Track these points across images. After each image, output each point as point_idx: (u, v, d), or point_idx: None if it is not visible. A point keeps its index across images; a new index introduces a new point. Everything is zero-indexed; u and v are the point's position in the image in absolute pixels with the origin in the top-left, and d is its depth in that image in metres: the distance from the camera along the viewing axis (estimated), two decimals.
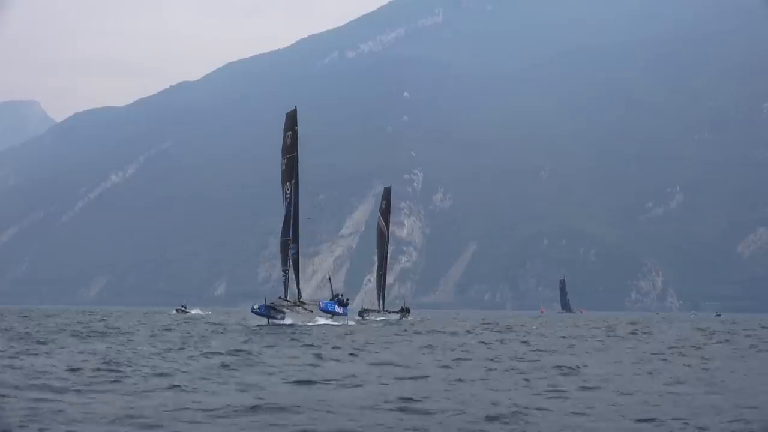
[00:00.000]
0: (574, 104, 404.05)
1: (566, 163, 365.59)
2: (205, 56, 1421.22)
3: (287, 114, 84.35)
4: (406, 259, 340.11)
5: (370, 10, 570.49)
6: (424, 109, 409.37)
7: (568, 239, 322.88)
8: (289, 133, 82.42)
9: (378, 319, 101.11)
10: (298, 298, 77.08)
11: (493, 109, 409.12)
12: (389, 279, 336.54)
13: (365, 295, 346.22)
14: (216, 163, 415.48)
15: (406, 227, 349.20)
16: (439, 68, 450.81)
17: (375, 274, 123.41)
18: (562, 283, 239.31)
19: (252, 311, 73.58)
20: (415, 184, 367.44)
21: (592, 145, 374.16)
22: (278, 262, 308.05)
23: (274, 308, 73.17)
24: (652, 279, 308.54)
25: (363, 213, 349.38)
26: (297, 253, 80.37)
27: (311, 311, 75.75)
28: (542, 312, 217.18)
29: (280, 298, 75.49)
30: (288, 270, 78.25)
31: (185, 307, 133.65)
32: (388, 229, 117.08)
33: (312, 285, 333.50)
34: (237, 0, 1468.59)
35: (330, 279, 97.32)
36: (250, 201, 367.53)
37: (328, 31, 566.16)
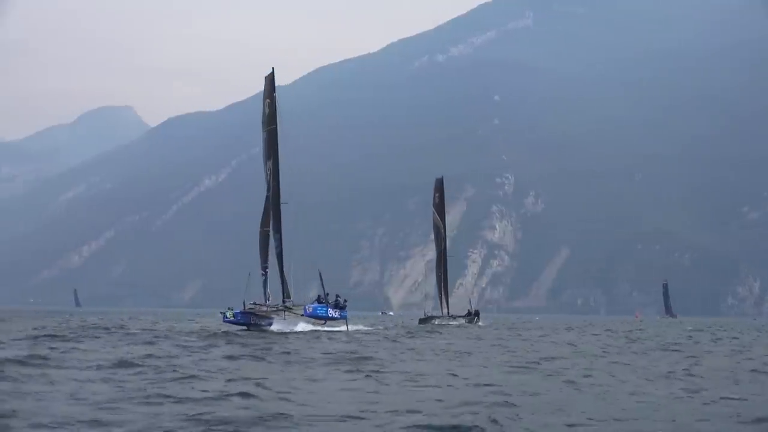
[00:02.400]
0: (666, 106, 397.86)
1: (659, 166, 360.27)
2: (295, 61, 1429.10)
3: (265, 77, 69.65)
4: (497, 263, 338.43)
5: (460, 13, 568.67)
6: (515, 112, 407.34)
7: (662, 244, 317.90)
8: (267, 101, 69.21)
9: (441, 324, 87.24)
10: (284, 302, 63.66)
11: (585, 112, 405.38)
12: (482, 283, 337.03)
13: (457, 300, 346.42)
14: (306, 167, 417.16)
15: (497, 231, 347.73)
16: (529, 71, 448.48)
17: (435, 275, 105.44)
18: (665, 287, 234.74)
19: (224, 320, 60.01)
20: (506, 187, 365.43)
21: (685, 148, 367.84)
22: (370, 265, 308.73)
23: (254, 314, 61.38)
24: (749, 284, 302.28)
25: (454, 216, 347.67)
26: (281, 245, 67.45)
27: (301, 314, 63.66)
28: (637, 317, 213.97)
29: (254, 303, 62.36)
30: (267, 268, 65.49)
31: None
32: (444, 224, 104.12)
33: (405, 288, 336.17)
34: (328, 5, 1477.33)
35: (321, 274, 70.13)
36: (341, 205, 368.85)
37: (418, 34, 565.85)
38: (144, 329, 54.11)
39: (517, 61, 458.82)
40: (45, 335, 40.64)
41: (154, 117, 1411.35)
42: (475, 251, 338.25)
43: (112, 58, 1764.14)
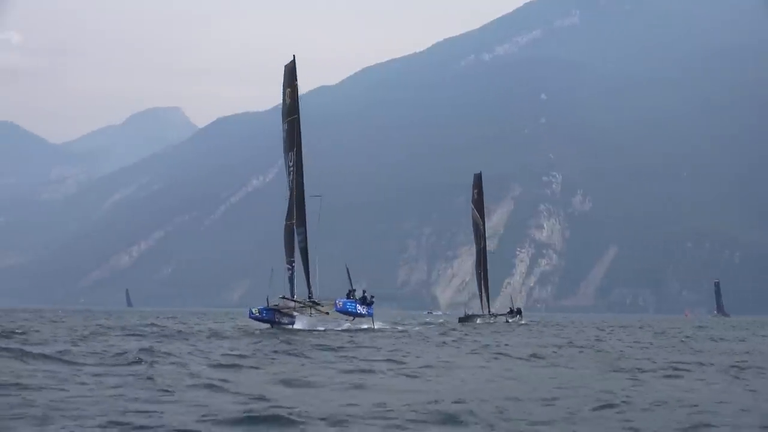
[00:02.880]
0: (714, 104, 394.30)
1: (707, 164, 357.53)
2: (342, 61, 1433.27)
3: (285, 66, 65.38)
4: (546, 262, 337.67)
5: (506, 12, 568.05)
6: (562, 110, 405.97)
7: (712, 242, 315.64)
8: (288, 90, 65.58)
9: (483, 323, 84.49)
10: (310, 297, 61.71)
11: (632, 110, 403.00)
12: (530, 282, 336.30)
13: (504, 299, 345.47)
14: (353, 167, 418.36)
15: (545, 230, 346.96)
16: (576, 69, 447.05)
17: (476, 273, 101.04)
18: (717, 285, 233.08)
19: (250, 316, 59.49)
20: (553, 186, 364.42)
21: (733, 145, 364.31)
22: (418, 265, 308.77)
23: (278, 311, 59.42)
24: None
25: (501, 216, 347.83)
26: (305, 240, 64.72)
27: (327, 312, 61.36)
28: (687, 315, 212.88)
29: (284, 297, 60.33)
30: (294, 262, 63.40)
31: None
32: (483, 221, 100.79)
33: (452, 288, 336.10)
34: (374, 6, 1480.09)
35: (348, 269, 68.65)
36: (388, 204, 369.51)
37: (463, 34, 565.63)
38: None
39: (563, 59, 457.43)
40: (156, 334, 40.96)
41: (202, 118, 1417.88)
42: (523, 250, 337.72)
43: (161, 59, 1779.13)
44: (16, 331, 40.25)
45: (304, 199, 65.25)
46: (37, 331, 41.90)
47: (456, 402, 16.01)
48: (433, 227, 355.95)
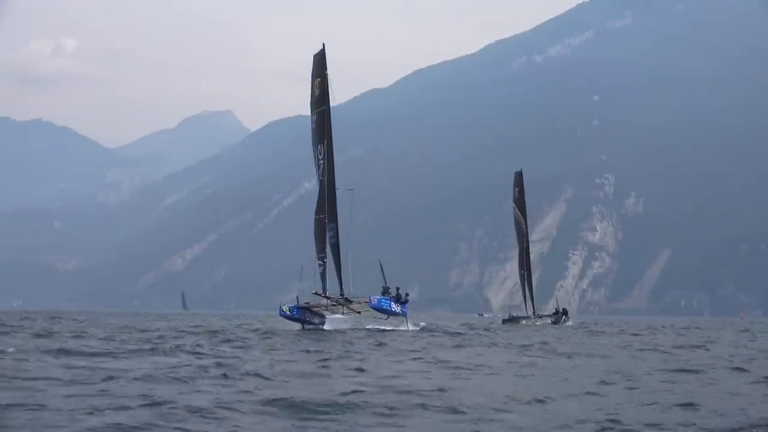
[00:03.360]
0: None
1: (762, 164, 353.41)
2: (394, 64, 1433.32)
3: (314, 56, 61.94)
4: (598, 264, 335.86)
5: (558, 13, 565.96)
6: (615, 112, 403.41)
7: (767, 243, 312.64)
8: (317, 80, 61.83)
9: (528, 324, 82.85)
10: (341, 295, 58.74)
11: (686, 111, 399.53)
12: (582, 284, 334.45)
13: (557, 302, 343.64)
14: (405, 168, 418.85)
15: (598, 232, 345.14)
16: (629, 70, 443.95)
17: (519, 274, 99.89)
18: None
19: (281, 314, 57.18)
20: (606, 188, 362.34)
21: None
22: (470, 267, 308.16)
23: (309, 309, 57.43)
24: None
25: (554, 218, 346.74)
26: (336, 235, 61.99)
27: (359, 312, 58.99)
28: (742, 318, 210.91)
29: (316, 293, 57.92)
30: (325, 258, 60.21)
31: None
32: (525, 220, 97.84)
33: (505, 290, 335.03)
34: (425, 7, 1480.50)
35: (381, 265, 62.97)
36: (440, 206, 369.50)
37: (515, 35, 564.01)
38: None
39: (616, 60, 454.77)
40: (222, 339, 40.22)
41: (254, 121, 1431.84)
42: (576, 253, 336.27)
43: (213, 63, 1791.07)
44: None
45: (335, 192, 63.51)
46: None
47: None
48: (485, 229, 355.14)
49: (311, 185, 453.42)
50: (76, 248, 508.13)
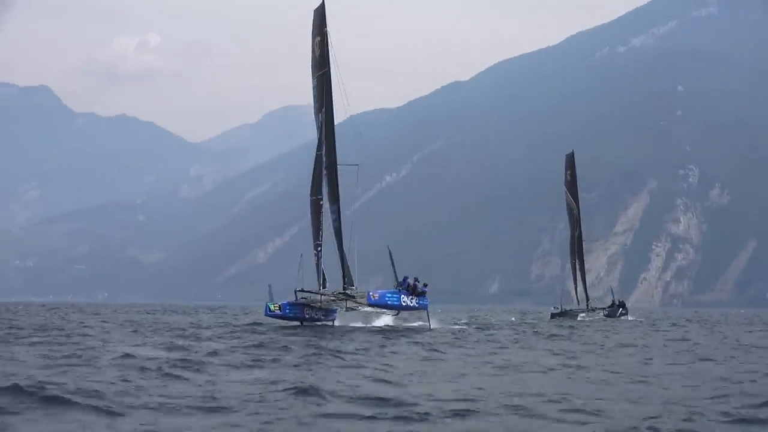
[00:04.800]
0: None
1: None
2: (475, 56, 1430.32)
3: (314, 11, 53.31)
4: (682, 256, 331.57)
5: (642, 3, 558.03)
6: (699, 102, 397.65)
7: None
8: (317, 39, 52.89)
9: (583, 319, 77.44)
10: (344, 288, 51.05)
11: None
12: (666, 277, 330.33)
13: (640, 293, 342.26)
14: (487, 161, 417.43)
15: (682, 224, 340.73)
16: (713, 60, 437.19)
17: (570, 263, 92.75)
18: None
19: (267, 313, 50.14)
20: (690, 179, 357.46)
21: None
22: (551, 259, 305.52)
23: (309, 305, 50.07)
24: None
25: (637, 209, 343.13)
26: (339, 219, 54.38)
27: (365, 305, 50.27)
28: None
29: (302, 290, 50.31)
30: (321, 247, 51.80)
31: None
32: (578, 205, 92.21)
33: (587, 282, 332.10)
34: (504, 0, 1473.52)
35: (390, 252, 52.51)
36: (521, 198, 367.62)
37: (598, 26, 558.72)
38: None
39: (700, 50, 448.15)
40: None
41: (335, 115, 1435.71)
42: (659, 245, 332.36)
43: (294, 57, 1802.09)
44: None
45: (336, 169, 54.71)
46: None
47: None
48: (566, 221, 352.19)
49: (392, 179, 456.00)
50: (159, 242, 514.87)
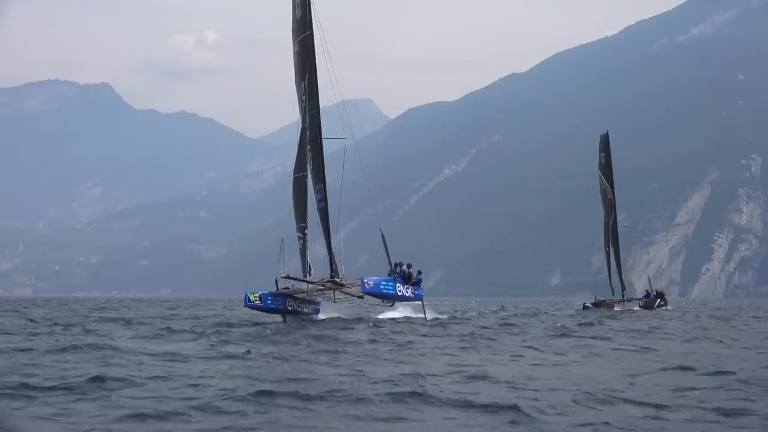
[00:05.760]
0: None
1: None
2: (532, 48, 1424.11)
3: None
4: (745, 247, 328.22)
5: None
6: (760, 91, 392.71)
7: None
8: (297, 0, 47.88)
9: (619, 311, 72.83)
10: (332, 277, 46.54)
11: None
12: (729, 268, 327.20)
13: (703, 285, 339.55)
14: (545, 153, 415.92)
15: (744, 214, 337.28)
16: None
17: (604, 252, 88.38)
18: None
19: (246, 304, 43.12)
20: (753, 169, 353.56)
21: None
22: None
23: (292, 296, 44.36)
24: None
25: (698, 200, 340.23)
26: (325, 198, 50.22)
27: (360, 296, 45.74)
28: None
29: (287, 277, 44.46)
30: (306, 230, 47.17)
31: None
32: (612, 189, 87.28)
33: (649, 273, 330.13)
34: None
35: (383, 236, 49.55)
36: (581, 191, 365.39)
37: (657, 15, 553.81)
38: None
39: (761, 38, 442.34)
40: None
41: (393, 109, 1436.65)
42: (722, 235, 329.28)
43: (353, 51, 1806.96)
44: None
45: (321, 144, 50.73)
46: None
47: None
48: (628, 212, 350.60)
49: (451, 172, 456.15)
50: (221, 237, 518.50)
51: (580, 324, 43.17)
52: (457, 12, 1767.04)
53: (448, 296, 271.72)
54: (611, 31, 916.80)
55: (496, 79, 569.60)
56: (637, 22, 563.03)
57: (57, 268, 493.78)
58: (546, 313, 65.76)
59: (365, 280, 44.37)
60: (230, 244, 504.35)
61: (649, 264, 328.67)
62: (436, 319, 45.13)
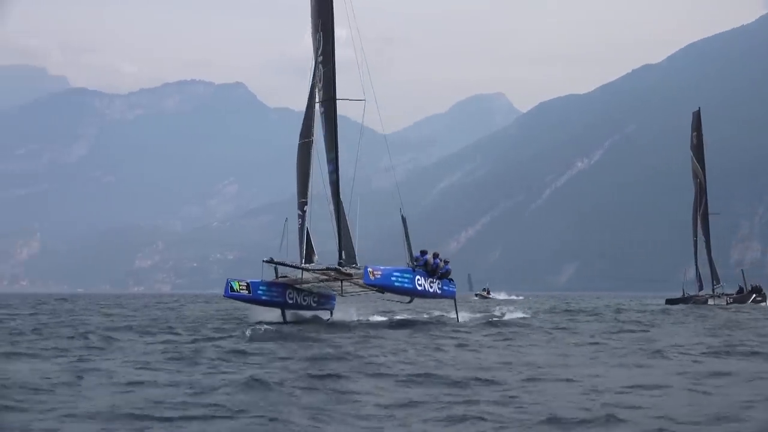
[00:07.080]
0: None
1: None
2: (667, 38, 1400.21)
3: None
4: None
5: None
6: None
7: None
8: None
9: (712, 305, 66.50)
10: (340, 264, 37.96)
11: None
12: None
13: (743, 277, 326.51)
14: (677, 145, 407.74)
15: None
16: None
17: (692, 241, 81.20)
18: None
19: (228, 293, 34.43)
20: None
21: None
22: (751, 245, 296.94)
23: (293, 286, 36.68)
24: None
25: None
26: (336, 171, 41.58)
27: (380, 290, 37.42)
28: None
29: (270, 261, 36.55)
30: (307, 206, 40.21)
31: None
32: (704, 171, 77.89)
33: (713, 263, 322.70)
34: None
35: (404, 219, 39.42)
36: (717, 183, 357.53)
37: None
38: None
39: None
40: None
41: (525, 103, 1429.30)
42: None
43: (485, 46, 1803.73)
44: None
45: (335, 105, 41.86)
46: None
47: None
48: (767, 206, 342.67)
49: (584, 165, 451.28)
50: (353, 232, 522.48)
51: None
52: (585, 3, 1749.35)
53: (583, 291, 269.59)
54: (747, 19, 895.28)
55: (629, 71, 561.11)
56: None
57: (195, 265, 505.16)
58: (621, 310, 56.02)
59: (369, 269, 35.00)
60: (363, 239, 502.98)
61: (745, 255, 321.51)
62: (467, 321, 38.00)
